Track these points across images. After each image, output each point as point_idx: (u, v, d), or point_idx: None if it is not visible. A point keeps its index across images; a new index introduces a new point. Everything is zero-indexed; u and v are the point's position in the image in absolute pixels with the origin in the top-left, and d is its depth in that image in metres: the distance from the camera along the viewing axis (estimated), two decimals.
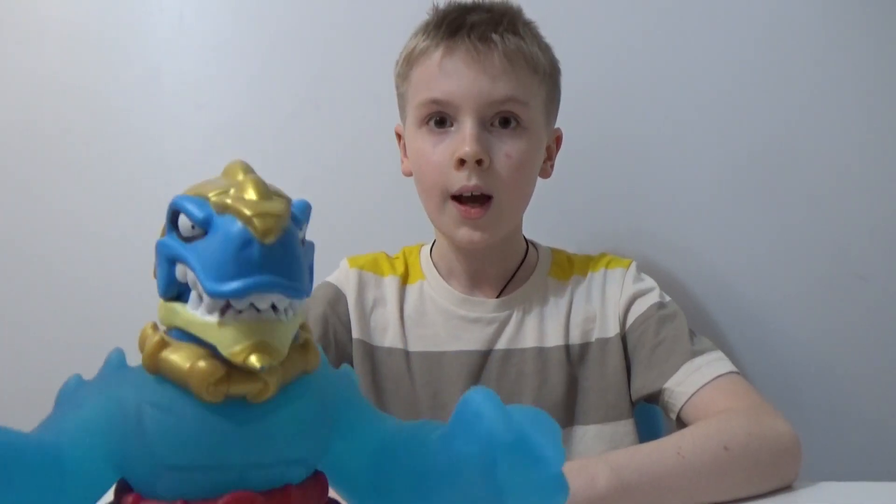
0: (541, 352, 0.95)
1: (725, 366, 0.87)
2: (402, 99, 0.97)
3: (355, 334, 0.96)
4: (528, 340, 0.95)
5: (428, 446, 0.39)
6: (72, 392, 0.38)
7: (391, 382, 0.96)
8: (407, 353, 0.96)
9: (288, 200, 0.36)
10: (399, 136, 1.01)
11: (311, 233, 1.22)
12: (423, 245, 1.05)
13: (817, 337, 1.18)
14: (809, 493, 0.75)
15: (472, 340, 0.95)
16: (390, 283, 0.99)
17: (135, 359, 0.37)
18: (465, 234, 0.90)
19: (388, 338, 0.97)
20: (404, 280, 1.00)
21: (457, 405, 0.39)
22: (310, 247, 0.38)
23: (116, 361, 0.38)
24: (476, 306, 0.97)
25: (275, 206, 0.33)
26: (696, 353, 0.88)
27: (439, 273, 1.00)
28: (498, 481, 0.37)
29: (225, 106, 1.27)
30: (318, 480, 0.38)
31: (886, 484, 0.76)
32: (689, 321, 0.94)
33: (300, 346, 0.37)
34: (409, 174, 0.97)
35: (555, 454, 0.37)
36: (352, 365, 0.96)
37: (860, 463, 1.16)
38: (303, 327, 0.38)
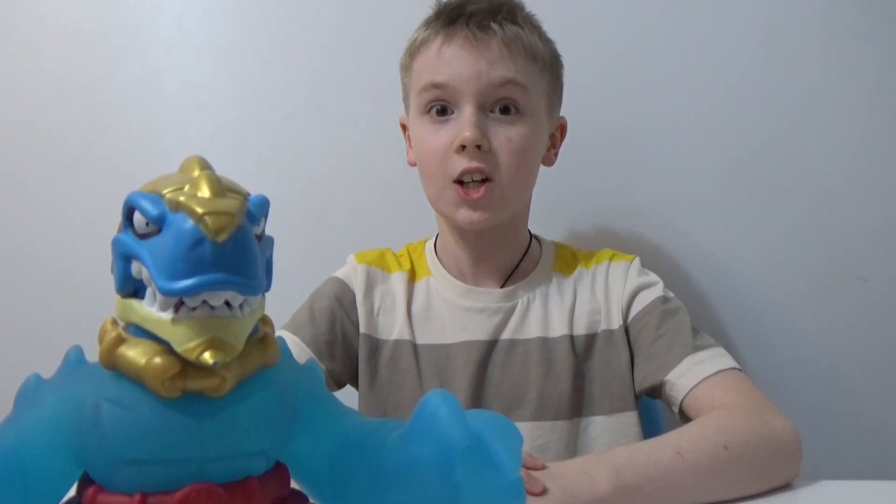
0: (545, 342, 0.95)
1: (728, 362, 0.87)
2: (405, 90, 1.00)
3: (362, 329, 0.97)
4: (533, 330, 0.96)
5: (385, 445, 0.39)
6: (30, 392, 0.38)
7: (397, 375, 0.96)
8: (415, 346, 0.97)
9: (243, 197, 0.36)
10: (404, 127, 1.02)
11: (313, 231, 1.22)
12: (426, 240, 1.05)
13: (818, 337, 1.17)
14: (809, 491, 0.75)
15: (477, 330, 0.96)
16: (398, 280, 1.00)
17: (96, 354, 0.37)
18: (464, 214, 0.91)
19: (396, 332, 0.97)
20: (412, 277, 1.01)
21: (416, 407, 0.39)
22: (268, 241, 0.38)
23: (75, 358, 0.38)
24: (481, 296, 0.97)
25: (228, 203, 0.33)
26: (698, 348, 0.89)
27: (444, 266, 1.00)
28: (454, 485, 0.37)
29: (225, 106, 1.28)
30: (279, 472, 0.39)
31: (886, 483, 0.76)
32: (689, 320, 0.94)
33: (259, 340, 0.37)
34: (413, 164, 0.99)
35: (511, 461, 0.37)
36: (357, 359, 0.97)
37: (860, 462, 1.15)
38: (263, 321, 0.38)
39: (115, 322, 0.36)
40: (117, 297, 0.37)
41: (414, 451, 0.37)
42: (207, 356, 0.33)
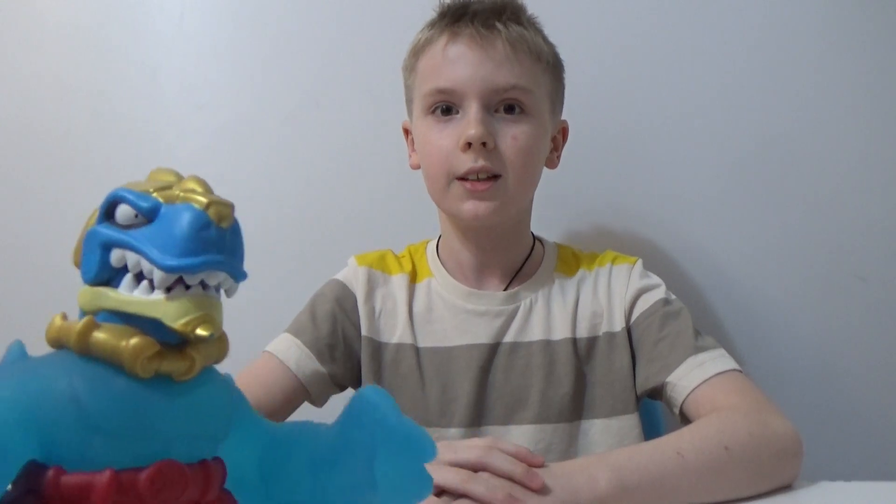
0: (548, 345, 0.95)
1: (729, 363, 0.87)
2: (409, 91, 0.99)
3: (364, 332, 0.97)
4: (536, 333, 0.96)
5: (320, 436, 0.42)
6: None
7: (400, 379, 0.96)
8: (417, 349, 0.97)
9: None
10: (406, 132, 1.02)
11: (313, 232, 1.23)
12: (428, 242, 1.05)
13: (818, 337, 1.18)
14: (809, 492, 0.75)
15: (480, 334, 0.96)
16: (399, 282, 1.00)
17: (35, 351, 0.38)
18: (471, 207, 0.91)
19: (398, 335, 0.97)
20: (413, 278, 1.01)
21: (350, 400, 0.41)
22: None
23: (18, 353, 0.39)
24: (483, 299, 0.97)
25: (224, 199, 0.37)
26: (699, 350, 0.89)
27: (446, 269, 1.00)
28: (376, 467, 0.39)
29: (225, 106, 1.28)
30: (221, 461, 0.41)
31: (886, 483, 0.76)
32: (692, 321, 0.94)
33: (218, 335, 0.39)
34: (416, 167, 0.99)
35: (431, 449, 0.40)
36: (360, 362, 0.97)
37: (860, 462, 1.15)
38: None
39: (64, 317, 0.38)
40: (84, 287, 0.39)
41: (351, 435, 0.41)
42: (202, 329, 0.35)
